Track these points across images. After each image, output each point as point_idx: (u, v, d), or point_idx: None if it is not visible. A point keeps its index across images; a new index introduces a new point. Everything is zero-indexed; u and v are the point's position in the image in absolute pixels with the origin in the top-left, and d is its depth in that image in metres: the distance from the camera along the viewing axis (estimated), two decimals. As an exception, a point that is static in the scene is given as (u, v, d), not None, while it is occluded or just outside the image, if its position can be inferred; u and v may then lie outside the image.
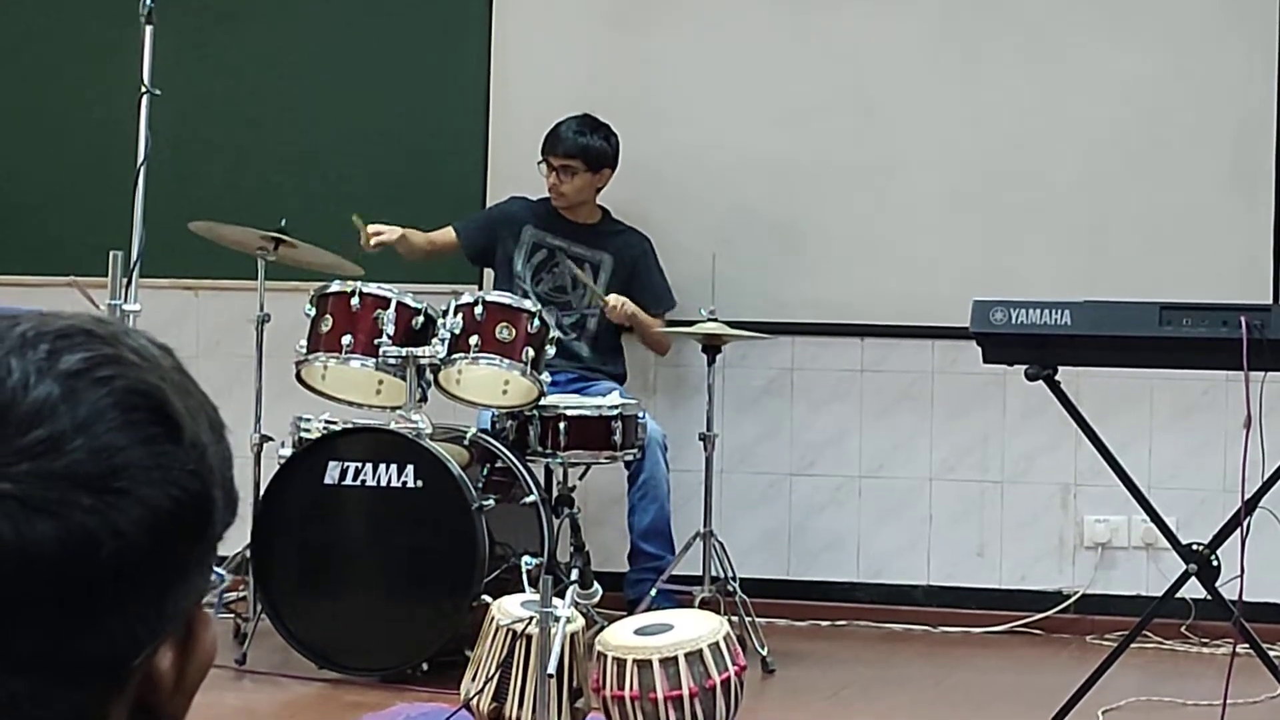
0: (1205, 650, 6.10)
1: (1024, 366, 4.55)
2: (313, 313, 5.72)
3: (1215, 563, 4.57)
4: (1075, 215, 6.50)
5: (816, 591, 6.67)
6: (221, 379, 6.48)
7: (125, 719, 1.03)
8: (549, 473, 5.97)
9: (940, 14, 6.59)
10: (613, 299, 6.21)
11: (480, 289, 6.25)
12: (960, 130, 6.57)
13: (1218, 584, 4.56)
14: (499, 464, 5.64)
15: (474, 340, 5.58)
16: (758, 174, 6.69)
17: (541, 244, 6.42)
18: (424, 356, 5.56)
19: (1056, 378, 4.57)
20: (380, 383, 5.79)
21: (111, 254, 5.25)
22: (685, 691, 4.47)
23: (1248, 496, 4.45)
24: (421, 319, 5.69)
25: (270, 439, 5.82)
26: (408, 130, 6.93)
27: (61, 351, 1.02)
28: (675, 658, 4.49)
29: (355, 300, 5.66)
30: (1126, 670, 5.01)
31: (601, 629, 4.85)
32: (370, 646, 5.41)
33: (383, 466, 5.41)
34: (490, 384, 5.70)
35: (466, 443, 5.62)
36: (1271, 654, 4.67)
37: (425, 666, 5.33)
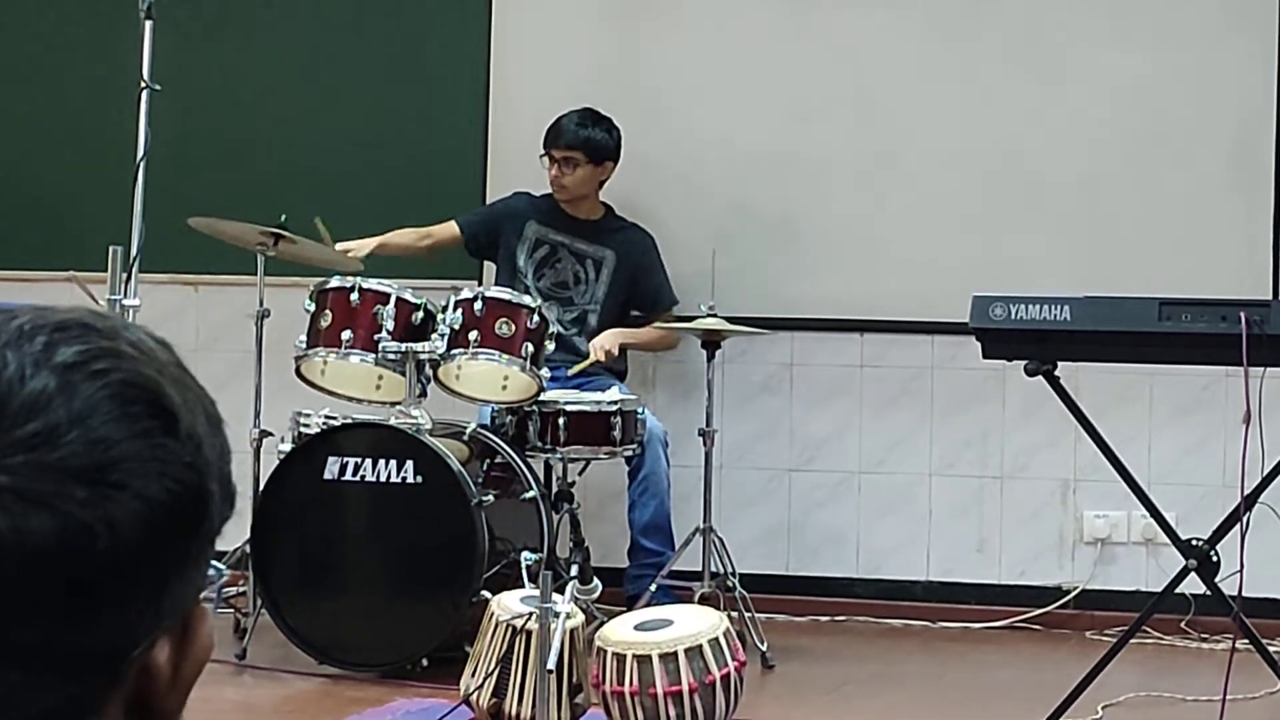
0: (1205, 646, 6.10)
1: (1024, 362, 4.55)
2: (312, 308, 5.72)
3: (1215, 558, 4.57)
4: (1075, 211, 6.50)
5: (816, 587, 6.67)
6: (221, 374, 6.48)
7: (121, 712, 1.03)
8: (548, 468, 5.97)
9: (940, 10, 6.58)
10: (596, 353, 6.17)
11: (480, 284, 6.25)
12: (960, 126, 6.57)
13: (1217, 579, 4.56)
14: (498, 459, 5.64)
15: (473, 335, 5.58)
16: (757, 170, 6.69)
17: (544, 240, 6.42)
18: (423, 352, 5.56)
19: (1056, 373, 4.57)
20: (380, 378, 5.79)
21: (111, 249, 5.25)
22: (685, 687, 4.47)
23: (1247, 492, 4.45)
24: (421, 314, 5.69)
25: (270, 434, 5.82)
26: (408, 126, 6.93)
27: (58, 344, 1.02)
28: (675, 653, 4.49)
29: (355, 296, 5.66)
30: (1126, 666, 5.01)
31: (601, 624, 4.85)
32: (370, 642, 5.42)
33: (382, 462, 5.41)
34: (490, 379, 5.70)
35: (466, 438, 5.62)
36: (1271, 649, 4.67)
37: (425, 662, 5.33)
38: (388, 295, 5.67)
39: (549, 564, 5.45)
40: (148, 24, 5.63)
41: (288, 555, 5.54)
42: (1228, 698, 4.57)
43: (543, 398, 5.70)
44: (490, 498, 5.38)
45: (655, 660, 4.48)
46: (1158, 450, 6.41)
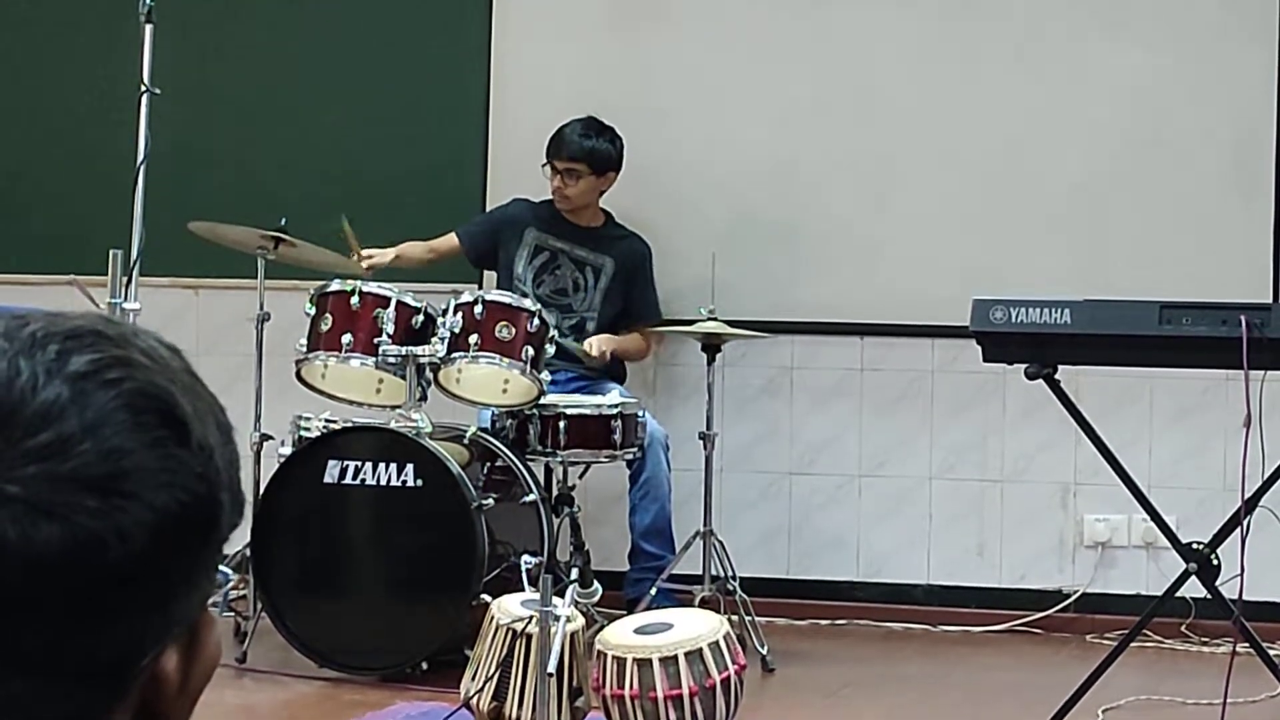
0: (1205, 649, 6.10)
1: (1024, 365, 4.55)
2: (313, 312, 5.73)
3: (1215, 562, 4.57)
4: (1075, 214, 6.50)
5: (816, 590, 6.67)
6: (221, 378, 6.43)
7: (130, 720, 1.04)
8: (549, 472, 5.96)
9: (940, 14, 6.59)
10: (594, 350, 6.18)
11: (480, 288, 6.25)
12: (960, 130, 6.57)
13: (1218, 583, 4.56)
14: (499, 463, 5.64)
15: (474, 339, 5.58)
16: (757, 174, 6.69)
17: (544, 246, 6.42)
18: (424, 355, 5.57)
19: (1056, 376, 4.57)
20: (380, 381, 5.80)
21: (111, 253, 5.25)
22: (685, 690, 4.47)
23: (1248, 495, 4.45)
24: (421, 318, 5.69)
25: (270, 438, 5.82)
26: (408, 130, 6.93)
27: (71, 352, 1.02)
28: (675, 657, 4.49)
29: (355, 299, 5.66)
30: (1126, 669, 5.01)
31: (601, 628, 4.85)
32: (370, 645, 5.42)
33: (382, 465, 5.41)
34: (490, 383, 5.70)
35: (466, 442, 5.62)
36: (1271, 653, 4.67)
37: (425, 665, 5.33)
38: (388, 299, 5.67)
39: (549, 567, 5.44)
40: (148, 28, 5.64)
41: (288, 559, 5.54)
42: (1228, 701, 4.57)
43: (543, 401, 5.70)
44: (490, 501, 5.38)
45: (655, 664, 4.48)
46: (1158, 454, 6.41)
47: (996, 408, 6.57)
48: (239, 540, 5.58)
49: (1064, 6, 6.52)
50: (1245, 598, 4.46)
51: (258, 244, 5.88)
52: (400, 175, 6.92)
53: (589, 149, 6.27)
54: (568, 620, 4.38)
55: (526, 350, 5.59)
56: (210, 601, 1.08)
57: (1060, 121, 6.51)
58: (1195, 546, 4.59)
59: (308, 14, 7.06)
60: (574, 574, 5.49)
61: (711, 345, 5.90)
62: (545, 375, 5.65)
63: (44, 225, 7.18)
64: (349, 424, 5.54)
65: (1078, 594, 6.52)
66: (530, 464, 5.72)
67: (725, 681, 4.52)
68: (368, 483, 5.42)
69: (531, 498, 5.59)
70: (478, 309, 5.61)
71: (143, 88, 5.64)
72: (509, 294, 5.85)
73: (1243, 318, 4.36)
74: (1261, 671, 4.66)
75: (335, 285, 5.74)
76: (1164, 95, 6.44)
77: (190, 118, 6.82)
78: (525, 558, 5.41)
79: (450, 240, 6.47)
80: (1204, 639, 6.15)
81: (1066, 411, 4.66)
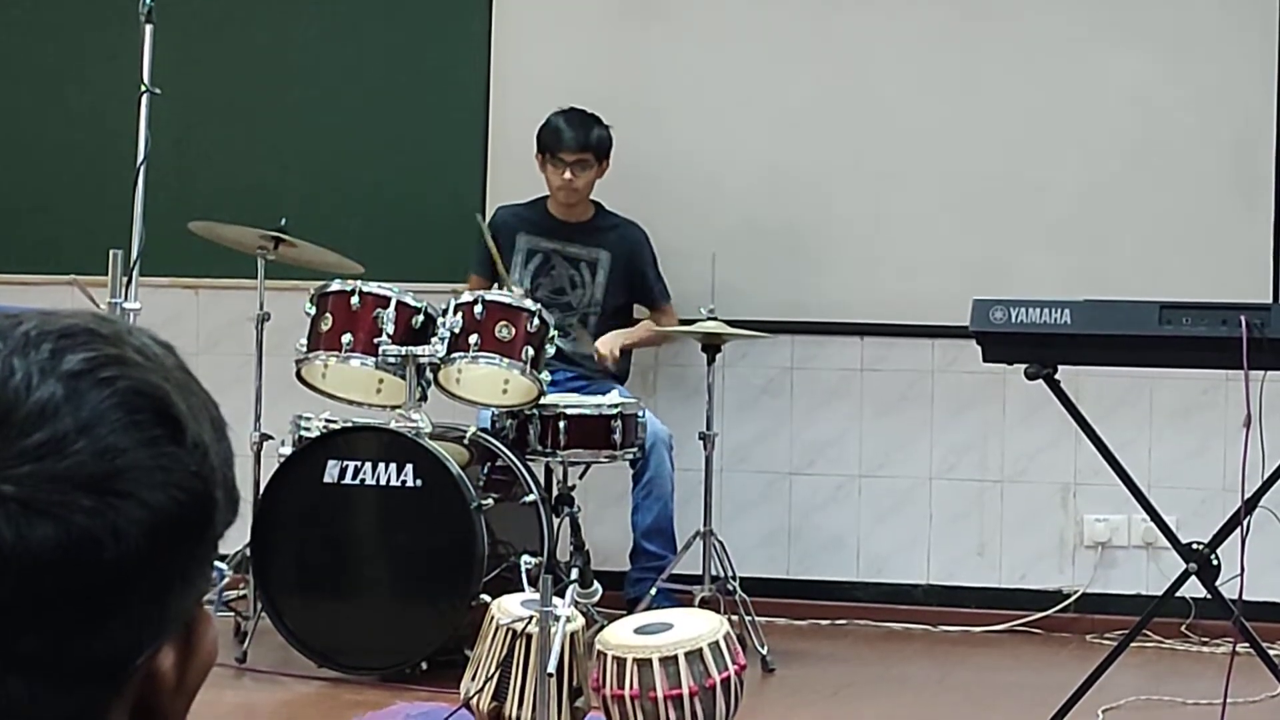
0: (1205, 649, 6.10)
1: (1024, 365, 4.55)
2: (313, 311, 5.72)
3: (1215, 562, 4.57)
4: (1075, 215, 6.50)
5: (816, 590, 6.67)
6: (221, 378, 6.46)
7: (126, 719, 1.03)
8: (549, 472, 5.96)
9: (941, 16, 6.59)
10: (602, 348, 6.17)
11: (480, 288, 6.25)
12: (960, 130, 6.57)
13: (1218, 583, 4.56)
14: (499, 463, 5.64)
15: (474, 339, 5.58)
16: (758, 174, 6.69)
17: (535, 249, 6.40)
18: (424, 355, 5.56)
19: (1056, 377, 4.57)
20: (380, 381, 5.79)
21: (111, 253, 5.25)
22: (685, 690, 4.47)
23: (1248, 495, 4.45)
24: (421, 318, 5.69)
25: (270, 437, 5.82)
26: (408, 130, 6.93)
27: (64, 351, 1.02)
28: (675, 657, 4.49)
29: (355, 299, 5.66)
30: (1126, 669, 5.01)
31: (601, 628, 4.85)
32: (370, 645, 5.41)
33: (382, 465, 5.41)
34: (490, 383, 5.70)
35: (466, 442, 5.62)
36: (1271, 653, 4.67)
37: (425, 665, 5.33)
38: (388, 299, 5.67)
39: (549, 567, 5.44)
40: (148, 28, 5.63)
41: (288, 559, 5.54)
42: (1228, 701, 4.56)
43: (543, 401, 5.69)
44: (490, 501, 5.38)
45: (655, 664, 4.48)
46: (1158, 454, 6.41)
47: (996, 408, 6.57)
48: (239, 540, 5.59)
49: (1064, 9, 6.52)
50: (1245, 598, 4.46)
51: (258, 244, 5.88)
52: (400, 175, 6.92)
53: (598, 137, 6.28)
54: (568, 620, 4.38)
55: (526, 350, 5.58)
56: (205, 598, 1.08)
57: (1060, 122, 6.51)
58: (1195, 546, 4.58)
59: (308, 14, 7.05)
60: (574, 574, 5.48)
61: (712, 345, 5.90)
62: (545, 375, 5.64)
63: (44, 225, 7.18)
64: (349, 424, 5.54)
65: (1078, 594, 6.52)
66: (530, 464, 5.72)
67: (725, 682, 4.52)
68: (368, 483, 5.42)
69: (531, 498, 5.59)
70: (478, 309, 5.60)
71: (143, 88, 5.64)
72: (509, 294, 5.84)
73: (1243, 318, 4.36)
74: (1261, 672, 4.66)
75: (335, 285, 5.74)
76: (1164, 97, 6.44)
77: (190, 118, 6.82)
78: (525, 558, 5.41)
79: (479, 282, 6.29)
80: (1204, 639, 6.15)
81: (1066, 412, 4.66)
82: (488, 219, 6.36)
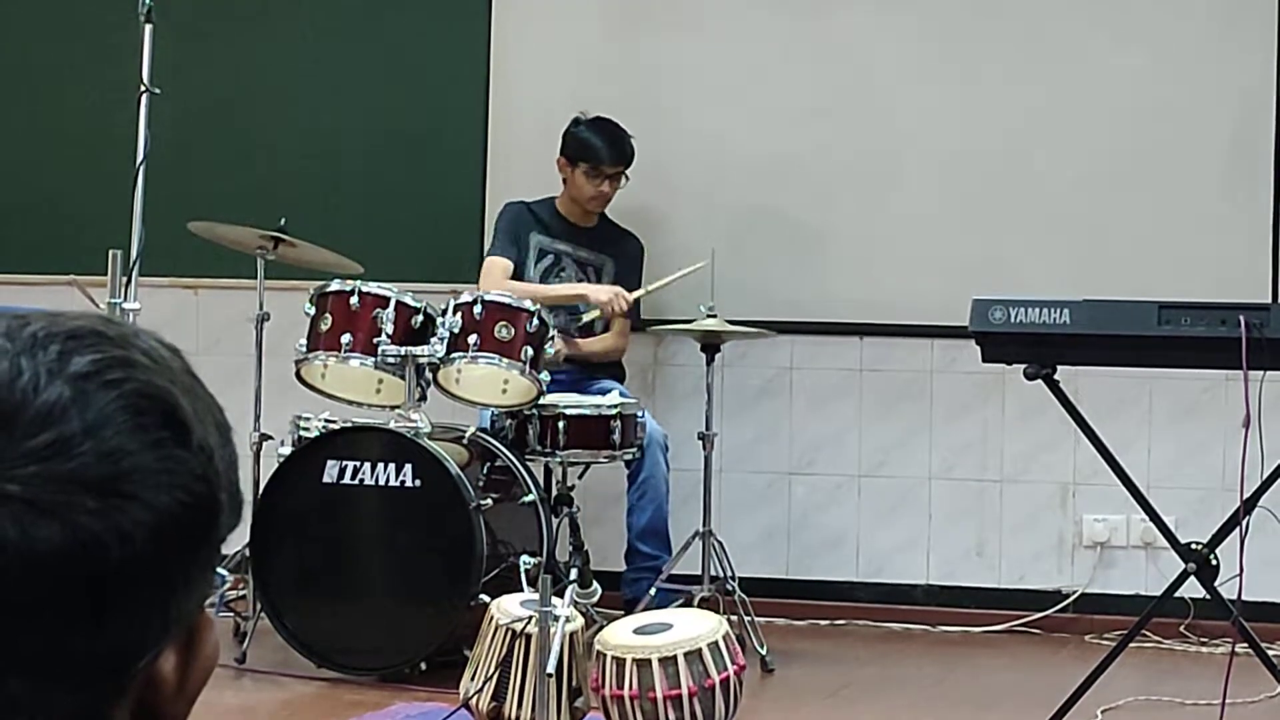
0: (1204, 649, 6.10)
1: (1023, 365, 4.55)
2: (312, 311, 5.72)
3: (1214, 562, 4.57)
4: (1074, 214, 6.50)
5: (816, 591, 6.67)
6: (221, 378, 6.42)
7: (127, 721, 1.04)
8: (548, 472, 5.96)
9: (940, 15, 6.59)
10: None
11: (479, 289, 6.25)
12: (959, 129, 6.57)
13: (1216, 583, 4.56)
14: (498, 463, 5.64)
15: (473, 339, 5.58)
16: (757, 173, 6.69)
17: (548, 250, 6.41)
18: (423, 355, 5.56)
19: (1055, 377, 4.57)
20: (380, 382, 5.79)
21: (111, 253, 5.26)
22: (684, 691, 4.47)
23: (1247, 495, 4.45)
24: (421, 318, 5.69)
25: (270, 437, 5.82)
26: (407, 130, 6.93)
27: (72, 353, 1.02)
28: (674, 657, 4.49)
29: (354, 299, 5.66)
30: (1125, 669, 5.01)
31: (601, 628, 4.85)
32: (369, 646, 5.41)
33: (381, 465, 5.41)
34: (489, 383, 5.70)
35: (465, 442, 5.62)
36: (1270, 653, 4.68)
37: (424, 666, 5.33)
38: (387, 299, 5.67)
39: (548, 568, 5.44)
40: (147, 27, 5.64)
41: (287, 559, 5.54)
42: (1227, 701, 4.57)
43: (542, 401, 5.70)
44: (489, 501, 5.38)
45: (655, 664, 4.48)
46: (1157, 454, 6.42)
47: (996, 408, 6.58)
48: (238, 540, 5.59)
49: (1064, 7, 6.52)
50: (1244, 598, 4.46)
51: (257, 244, 5.88)
52: (400, 174, 6.92)
53: (632, 149, 6.29)
54: (567, 620, 4.39)
55: (526, 350, 5.59)
56: (208, 602, 1.08)
57: (1060, 121, 6.51)
58: (1194, 547, 4.59)
59: (307, 14, 7.05)
60: (573, 574, 5.48)
61: (711, 345, 5.90)
62: (545, 375, 5.65)
63: (44, 225, 7.18)
64: (348, 424, 5.54)
65: (1077, 594, 6.52)
66: (529, 464, 5.72)
67: (724, 682, 4.52)
68: (367, 483, 5.42)
69: (531, 498, 5.59)
70: (477, 309, 5.60)
71: (143, 88, 5.64)
72: (508, 294, 5.84)
73: (1242, 318, 4.36)
74: (1260, 672, 4.66)
75: (335, 285, 5.74)
76: (1164, 95, 6.44)
77: (190, 117, 6.82)
78: (524, 558, 5.41)
79: (501, 265, 6.33)
80: (1203, 639, 6.15)
81: (1066, 412, 4.66)
82: (500, 212, 6.41)
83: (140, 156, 5.60)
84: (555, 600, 4.34)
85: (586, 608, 4.92)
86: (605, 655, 4.54)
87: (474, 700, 4.62)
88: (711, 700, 4.50)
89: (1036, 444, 6.52)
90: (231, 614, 5.82)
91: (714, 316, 5.81)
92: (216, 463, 1.05)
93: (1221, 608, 4.59)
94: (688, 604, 5.62)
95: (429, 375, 5.65)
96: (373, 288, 5.70)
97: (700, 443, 5.90)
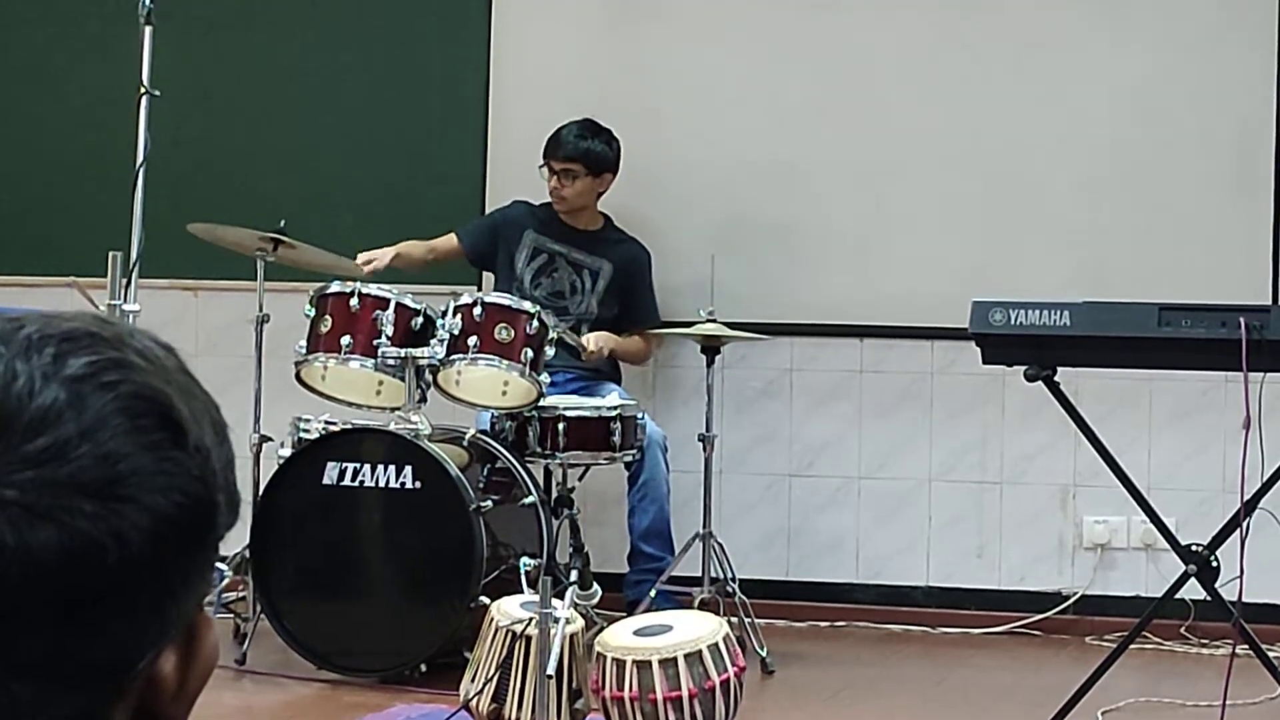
0: (1204, 651, 6.10)
1: (1023, 367, 4.55)
2: (312, 313, 5.72)
3: (1214, 563, 4.57)
4: (1074, 216, 6.50)
5: (816, 592, 6.67)
6: (221, 379, 6.46)
7: (127, 723, 1.04)
8: (548, 473, 5.96)
9: (939, 15, 6.59)
10: (590, 345, 6.18)
11: (479, 290, 6.26)
12: (959, 131, 6.57)
13: (1217, 585, 4.56)
14: (498, 465, 5.64)
15: (473, 341, 5.58)
16: (756, 175, 6.69)
17: (542, 248, 6.42)
18: (423, 357, 5.56)
19: (1056, 378, 4.57)
20: (380, 383, 5.79)
21: (111, 254, 5.26)
22: (685, 692, 4.47)
23: (1247, 497, 4.45)
24: (420, 320, 5.69)
25: (269, 439, 5.82)
26: (407, 131, 6.94)
27: (67, 355, 1.02)
28: (674, 659, 4.49)
29: (354, 301, 5.66)
30: (1126, 671, 5.01)
31: (601, 630, 4.85)
32: (369, 647, 5.41)
33: (381, 467, 5.41)
34: (489, 385, 5.70)
35: (465, 443, 5.62)
36: (1271, 655, 4.68)
37: (424, 667, 5.33)
38: (387, 300, 5.67)
39: (548, 569, 5.44)
40: (147, 29, 5.64)
41: (287, 560, 5.54)
42: (1227, 703, 4.57)
43: (542, 403, 5.69)
44: (489, 503, 5.38)
45: (655, 666, 4.48)
46: (1157, 455, 6.41)
47: (996, 410, 6.57)
48: (238, 541, 5.59)
49: (1064, 6, 6.52)
50: (1245, 599, 4.46)
51: (257, 245, 5.88)
52: (400, 176, 6.92)
53: (585, 149, 6.28)
54: (567, 622, 4.38)
55: (526, 352, 5.58)
56: (206, 601, 1.08)
57: (1060, 122, 6.51)
58: (1195, 548, 4.59)
59: (307, 15, 7.05)
60: (573, 576, 5.48)
61: (711, 347, 5.90)
62: (545, 377, 5.65)
63: (44, 226, 7.18)
64: (348, 426, 5.54)
65: (1077, 596, 6.52)
66: (529, 466, 5.72)
67: (725, 683, 4.52)
68: (367, 484, 5.42)
69: (531, 499, 5.59)
70: (477, 311, 5.60)
71: (142, 89, 5.64)
72: (508, 296, 5.85)
73: (1242, 319, 4.36)
74: (1261, 673, 4.66)
75: (335, 287, 5.74)
76: (1164, 95, 6.44)
77: (190, 118, 6.82)
78: (524, 559, 5.41)
79: (450, 241, 6.47)
80: (1203, 641, 6.15)
81: (1066, 413, 4.66)
82: (504, 209, 6.47)
83: (140, 157, 5.60)
84: (555, 602, 4.33)
85: (587, 609, 4.92)
86: (605, 657, 4.54)
87: (474, 702, 4.62)
88: (712, 702, 4.50)
89: (1037, 446, 6.52)
90: (231, 615, 5.82)
91: (714, 320, 5.81)
92: (213, 463, 1.05)
93: (1222, 609, 4.59)
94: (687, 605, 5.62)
95: (429, 377, 5.64)
96: (373, 289, 5.70)
97: (700, 444, 5.90)
